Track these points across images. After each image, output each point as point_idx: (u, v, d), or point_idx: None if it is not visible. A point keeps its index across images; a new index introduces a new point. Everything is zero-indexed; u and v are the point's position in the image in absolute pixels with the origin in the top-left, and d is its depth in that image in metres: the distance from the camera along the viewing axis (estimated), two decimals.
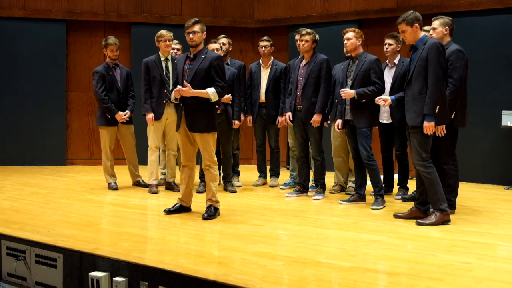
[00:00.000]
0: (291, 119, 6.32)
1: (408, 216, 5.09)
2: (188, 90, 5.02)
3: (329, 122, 6.46)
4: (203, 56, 5.13)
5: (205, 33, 5.19)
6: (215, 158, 5.24)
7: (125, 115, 6.68)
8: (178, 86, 5.12)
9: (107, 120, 6.69)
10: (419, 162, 4.89)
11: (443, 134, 4.94)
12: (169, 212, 5.36)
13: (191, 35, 5.11)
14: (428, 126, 4.78)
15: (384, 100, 5.46)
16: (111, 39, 6.74)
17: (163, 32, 6.53)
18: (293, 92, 6.31)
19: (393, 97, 5.53)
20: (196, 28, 5.10)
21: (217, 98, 5.11)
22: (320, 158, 6.24)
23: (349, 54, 6.33)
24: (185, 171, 5.36)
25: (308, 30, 6.19)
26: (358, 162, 5.85)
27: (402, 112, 5.95)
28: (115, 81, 6.71)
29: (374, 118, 5.79)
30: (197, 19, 5.17)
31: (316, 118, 6.09)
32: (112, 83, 6.69)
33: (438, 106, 4.76)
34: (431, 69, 4.78)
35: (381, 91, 5.68)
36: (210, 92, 5.05)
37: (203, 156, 5.21)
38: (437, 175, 4.91)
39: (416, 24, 4.91)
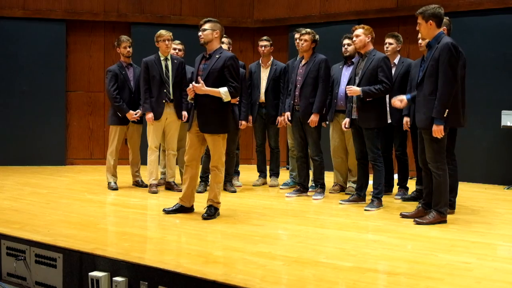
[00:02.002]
0: (290, 119, 6.31)
1: (415, 215, 5.08)
2: (201, 87, 4.99)
3: (327, 122, 6.45)
4: (217, 56, 5.09)
5: (217, 31, 5.10)
6: (224, 160, 5.21)
7: (136, 114, 6.68)
8: (191, 84, 5.11)
9: (119, 119, 6.70)
10: (432, 163, 4.86)
11: (441, 136, 4.90)
12: (168, 212, 5.35)
13: (200, 33, 5.11)
14: (437, 130, 4.72)
15: (400, 101, 5.20)
16: (124, 37, 6.83)
17: (162, 32, 6.53)
18: (292, 92, 6.30)
19: (408, 96, 5.26)
20: (206, 26, 5.08)
21: (229, 98, 5.06)
22: (319, 158, 6.23)
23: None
24: (188, 171, 5.30)
25: (308, 30, 6.18)
26: (362, 163, 5.81)
27: (400, 112, 5.98)
28: (127, 80, 6.73)
29: (382, 119, 5.68)
30: (210, 18, 5.15)
31: (313, 118, 6.08)
32: (124, 82, 6.71)
33: (447, 110, 4.68)
34: (442, 71, 4.69)
35: (388, 91, 5.57)
36: (222, 92, 5.01)
37: (212, 157, 5.17)
38: (448, 178, 4.88)
39: (431, 21, 4.79)
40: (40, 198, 6.15)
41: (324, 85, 6.13)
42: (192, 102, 5.21)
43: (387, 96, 6.05)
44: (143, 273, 3.71)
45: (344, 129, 5.96)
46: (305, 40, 6.11)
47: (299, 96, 6.17)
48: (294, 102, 6.23)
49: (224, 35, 6.79)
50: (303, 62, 6.24)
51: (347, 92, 5.69)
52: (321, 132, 6.27)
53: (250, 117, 7.02)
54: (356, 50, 5.89)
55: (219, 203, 5.23)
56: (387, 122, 5.88)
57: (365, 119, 5.63)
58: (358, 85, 5.62)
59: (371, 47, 5.68)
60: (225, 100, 5.04)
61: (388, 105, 6.08)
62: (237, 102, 6.49)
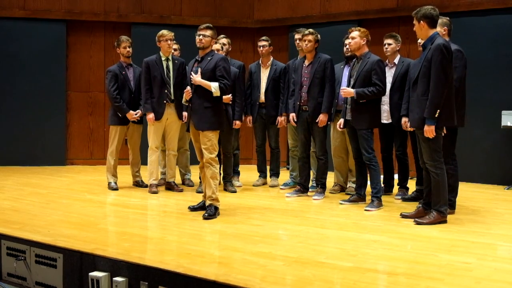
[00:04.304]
0: (295, 119, 6.31)
1: (415, 215, 5.09)
2: (196, 77, 5.23)
3: (328, 122, 6.45)
4: (209, 58, 5.35)
5: (214, 39, 5.45)
6: (216, 158, 5.28)
7: (136, 115, 6.69)
8: (188, 87, 5.33)
9: (119, 119, 6.71)
10: (429, 162, 4.88)
11: (432, 137, 4.89)
12: (193, 209, 5.42)
13: (201, 37, 5.32)
14: (428, 130, 4.75)
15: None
16: (123, 37, 6.85)
17: (164, 32, 6.53)
18: (296, 92, 6.30)
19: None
20: (208, 32, 5.33)
21: (218, 93, 5.25)
22: (324, 158, 6.24)
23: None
24: (202, 170, 5.42)
25: (311, 30, 6.19)
26: (359, 162, 5.84)
27: (399, 111, 5.99)
28: (127, 80, 6.73)
29: (374, 120, 5.73)
30: (211, 25, 5.39)
31: (322, 118, 6.10)
32: (124, 82, 6.71)
33: (438, 110, 4.71)
34: (433, 72, 4.73)
35: (381, 93, 5.66)
36: (213, 85, 5.23)
37: (203, 153, 5.25)
38: (446, 177, 4.89)
39: (423, 22, 4.85)
40: (40, 198, 6.15)
41: (331, 84, 6.16)
42: (187, 104, 5.46)
43: (388, 96, 6.08)
44: (143, 273, 3.71)
45: (339, 129, 6.02)
46: (309, 41, 6.13)
47: (306, 96, 6.18)
48: (300, 102, 6.24)
49: (224, 36, 6.85)
50: (307, 62, 6.25)
51: (341, 93, 5.77)
52: (326, 131, 6.30)
53: (250, 117, 7.04)
54: (351, 51, 5.95)
55: (218, 200, 5.25)
56: (380, 124, 5.94)
57: (358, 120, 5.69)
58: (353, 87, 5.69)
59: (366, 49, 5.75)
60: (214, 95, 5.24)
61: (388, 105, 6.11)
62: (230, 102, 6.50)
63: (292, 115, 6.34)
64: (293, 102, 6.36)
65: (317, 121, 6.12)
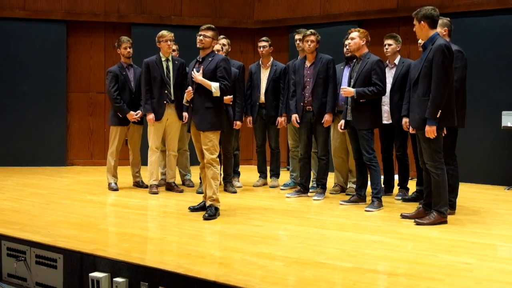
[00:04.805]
0: (298, 120, 6.31)
1: (416, 216, 5.09)
2: (197, 76, 5.24)
3: None
4: (210, 59, 5.35)
5: (215, 41, 5.44)
6: (217, 159, 5.28)
7: (136, 115, 6.69)
8: (189, 88, 5.33)
9: (119, 120, 6.71)
10: (429, 163, 4.88)
11: (433, 137, 4.89)
12: (193, 209, 5.43)
13: (201, 37, 5.32)
14: (429, 130, 4.76)
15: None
16: (124, 37, 6.86)
17: (164, 32, 6.53)
18: (298, 93, 6.29)
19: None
20: (208, 33, 5.33)
21: (218, 94, 5.25)
22: (326, 158, 6.25)
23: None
24: (202, 170, 5.43)
25: (313, 30, 6.20)
26: (359, 162, 5.84)
27: (400, 112, 5.99)
28: (128, 81, 6.74)
29: (375, 120, 5.75)
30: (213, 26, 5.38)
31: (327, 118, 6.12)
32: (125, 83, 6.72)
33: (440, 110, 4.72)
34: (435, 72, 4.74)
35: (381, 93, 5.68)
36: (214, 85, 5.24)
37: (204, 154, 5.26)
38: (446, 178, 4.90)
39: (423, 23, 4.86)
40: (40, 199, 6.15)
41: (334, 84, 6.18)
42: (187, 104, 5.46)
43: (388, 97, 6.08)
44: (143, 273, 3.71)
45: (340, 130, 6.02)
46: (312, 41, 6.14)
47: (311, 97, 6.18)
48: (304, 103, 6.24)
49: (223, 36, 6.85)
50: (308, 63, 6.25)
51: (342, 93, 5.79)
52: (329, 132, 6.31)
53: (250, 118, 7.04)
54: (350, 52, 5.97)
55: (218, 201, 5.26)
56: (381, 124, 5.95)
57: (359, 120, 5.70)
58: (353, 87, 5.70)
59: (365, 50, 5.77)
60: (214, 95, 5.24)
61: (388, 105, 6.11)
62: (231, 103, 6.50)
63: (295, 116, 6.33)
64: (294, 103, 6.36)
65: (322, 121, 6.12)
